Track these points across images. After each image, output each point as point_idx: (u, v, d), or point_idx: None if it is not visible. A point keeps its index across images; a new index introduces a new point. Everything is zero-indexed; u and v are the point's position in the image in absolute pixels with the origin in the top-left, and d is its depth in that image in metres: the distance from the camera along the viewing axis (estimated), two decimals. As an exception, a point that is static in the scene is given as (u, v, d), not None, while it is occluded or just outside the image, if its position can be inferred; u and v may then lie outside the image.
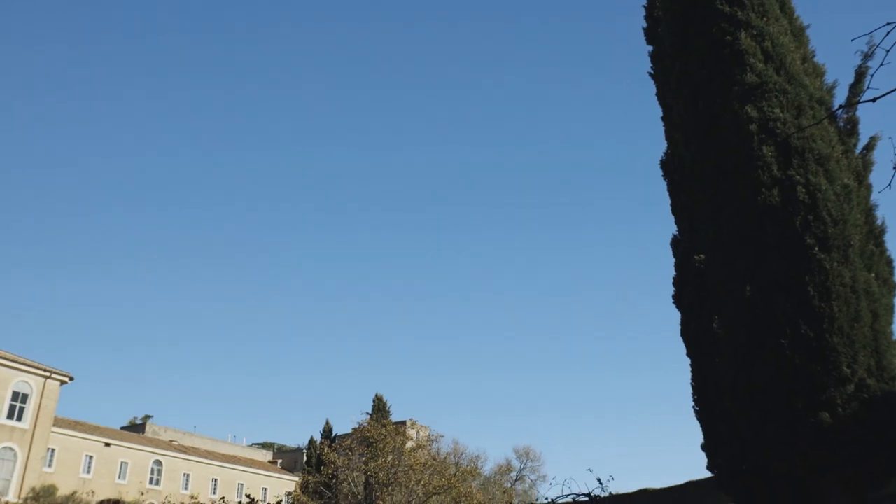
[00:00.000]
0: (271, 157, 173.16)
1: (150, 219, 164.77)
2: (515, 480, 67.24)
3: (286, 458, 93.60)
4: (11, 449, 50.16)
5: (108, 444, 67.03)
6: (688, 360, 13.02)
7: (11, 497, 45.68)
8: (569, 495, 14.26)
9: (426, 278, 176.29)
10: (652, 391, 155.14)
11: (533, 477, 68.87)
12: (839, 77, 12.01)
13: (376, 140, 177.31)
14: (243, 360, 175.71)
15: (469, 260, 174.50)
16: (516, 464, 68.66)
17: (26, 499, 44.07)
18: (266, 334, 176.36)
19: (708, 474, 14.60)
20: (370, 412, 50.55)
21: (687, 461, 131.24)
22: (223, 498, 19.59)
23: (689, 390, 13.07)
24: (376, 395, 56.30)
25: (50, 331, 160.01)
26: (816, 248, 9.15)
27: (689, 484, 33.90)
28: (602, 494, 13.88)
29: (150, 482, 68.26)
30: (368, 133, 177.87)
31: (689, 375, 13.07)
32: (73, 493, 50.96)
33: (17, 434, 50.59)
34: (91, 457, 65.46)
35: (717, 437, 11.55)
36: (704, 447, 12.20)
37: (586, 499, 13.90)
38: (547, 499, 14.91)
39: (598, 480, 13.88)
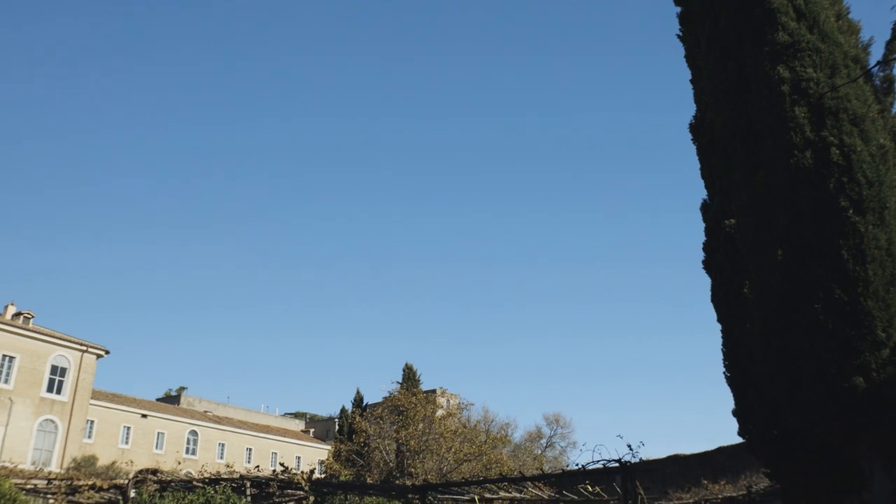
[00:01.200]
0: (310, 124, 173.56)
1: (179, 189, 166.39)
2: (545, 447, 67.58)
3: (318, 428, 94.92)
4: (52, 421, 51.47)
5: (144, 416, 68.47)
6: (718, 326, 12.91)
7: (54, 467, 46.92)
8: (599, 461, 14.20)
9: (455, 246, 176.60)
10: (682, 358, 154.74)
11: (563, 444, 69.25)
12: (875, 34, 11.70)
13: (422, 104, 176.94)
14: (275, 332, 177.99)
15: (498, 226, 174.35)
16: (546, 431, 68.96)
17: (68, 468, 45.23)
18: (297, 304, 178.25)
19: (739, 440, 14.53)
20: (400, 381, 50.99)
21: (717, 428, 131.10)
22: (258, 466, 19.93)
23: (720, 356, 12.98)
24: (406, 365, 56.68)
25: (85, 306, 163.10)
26: (851, 211, 8.96)
27: (720, 449, 33.85)
28: (633, 460, 13.79)
29: (187, 452, 69.68)
30: (418, 98, 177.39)
31: (719, 341, 12.98)
32: (113, 462, 52.22)
33: (57, 407, 51.86)
34: (129, 428, 66.97)
35: (749, 403, 11.49)
36: (735, 413, 12.14)
37: (617, 465, 13.85)
38: (577, 465, 14.90)
39: (629, 446, 13.76)
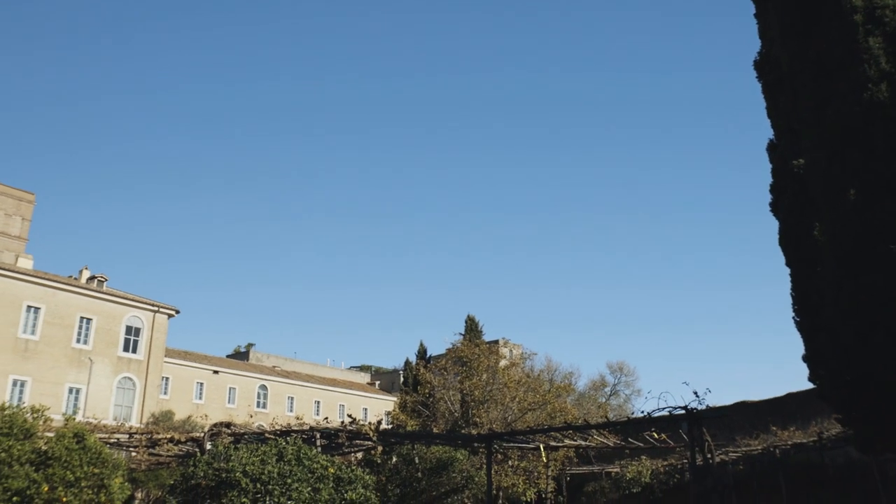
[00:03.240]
0: (375, 82, 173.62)
1: (243, 144, 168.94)
2: (610, 395, 67.48)
3: (383, 380, 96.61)
4: (130, 379, 53.62)
5: (216, 372, 70.74)
6: (787, 270, 12.57)
7: (134, 422, 49.03)
8: (665, 408, 14.10)
9: (516, 195, 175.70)
10: (748, 305, 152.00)
11: (627, 391, 69.04)
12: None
13: (511, 61, 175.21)
14: (339, 286, 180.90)
15: (561, 175, 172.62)
16: (610, 379, 68.76)
17: (147, 423, 47.19)
18: (361, 258, 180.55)
19: (809, 386, 14.23)
20: (463, 333, 51.38)
21: (786, 375, 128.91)
22: (326, 418, 20.43)
23: (789, 301, 12.65)
24: (468, 316, 57.04)
25: (153, 267, 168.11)
26: (929, 146, 8.54)
27: (789, 396, 33.23)
28: (699, 407, 13.66)
29: (258, 405, 71.90)
30: (502, 55, 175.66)
31: (788, 286, 12.64)
32: (189, 417, 54.23)
33: (133, 365, 53.96)
34: (202, 384, 69.36)
35: (819, 348, 11.20)
36: (806, 358, 11.86)
37: (683, 412, 13.74)
38: (643, 412, 14.86)
39: (695, 393, 13.61)
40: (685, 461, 29.69)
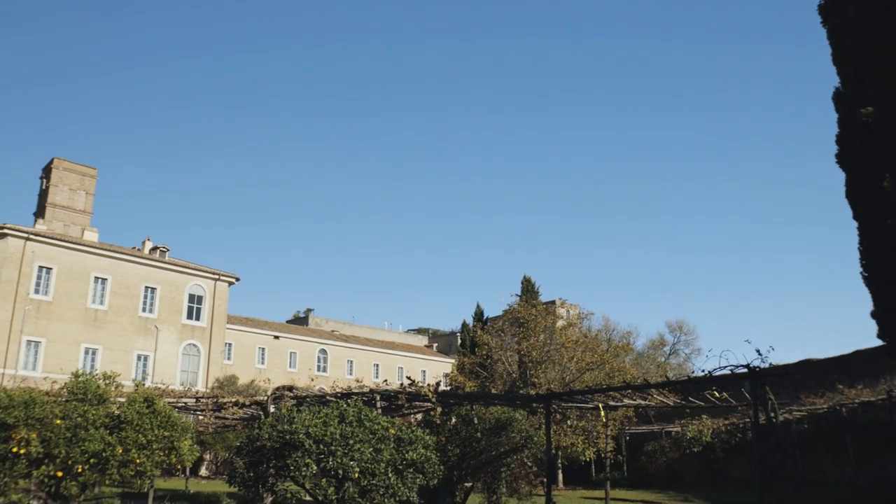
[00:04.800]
0: (434, 48, 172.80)
1: (298, 110, 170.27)
2: (669, 354, 66.65)
3: (441, 342, 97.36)
4: (195, 345, 55.16)
5: (277, 337, 72.27)
6: (854, 224, 12.16)
7: (200, 386, 50.54)
8: (726, 367, 13.83)
9: (572, 158, 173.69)
10: (811, 261, 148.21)
11: (687, 350, 68.01)
12: None
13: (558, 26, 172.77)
14: (395, 249, 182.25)
15: (615, 137, 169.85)
16: (669, 338, 67.78)
17: (213, 388, 48.57)
18: (416, 221, 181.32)
19: (878, 343, 13.82)
20: (519, 294, 51.28)
21: (852, 332, 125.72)
22: (385, 380, 20.70)
23: (856, 256, 12.25)
24: (524, 277, 56.81)
25: (213, 236, 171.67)
26: None
27: (857, 353, 32.41)
28: (762, 365, 13.35)
29: (318, 369, 73.36)
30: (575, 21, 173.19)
31: (855, 240, 12.23)
32: (252, 381, 55.67)
33: (197, 332, 55.46)
34: (263, 349, 71.00)
35: (889, 304, 10.86)
36: (874, 314, 11.51)
37: (745, 370, 13.47)
38: (703, 371, 14.60)
39: (757, 351, 13.29)
40: (747, 420, 29.30)
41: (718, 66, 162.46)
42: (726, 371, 13.84)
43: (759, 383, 13.54)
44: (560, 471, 34.74)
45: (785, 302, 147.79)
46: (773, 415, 14.29)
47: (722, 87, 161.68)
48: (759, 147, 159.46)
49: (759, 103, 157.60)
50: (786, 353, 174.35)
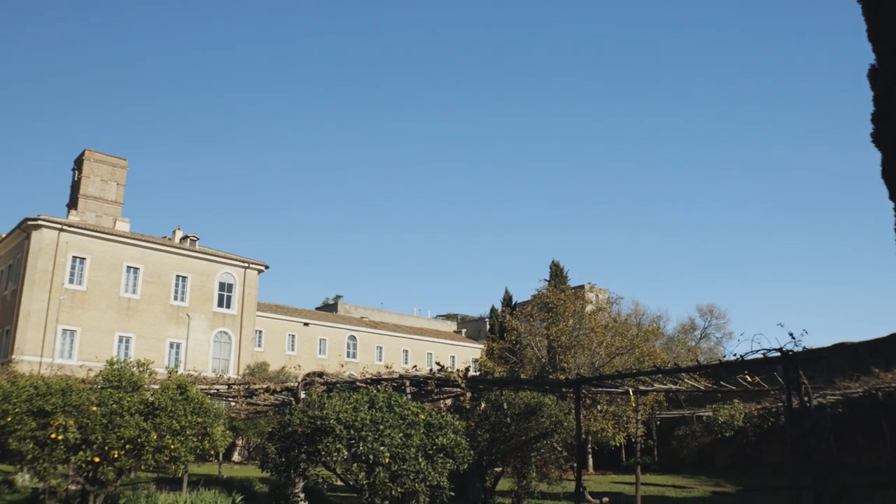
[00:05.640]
0: (457, 32, 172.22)
1: (326, 96, 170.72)
2: (700, 339, 65.99)
3: (469, 328, 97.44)
4: (226, 333, 55.78)
5: (306, 324, 72.81)
6: (890, 205, 11.89)
7: (231, 373, 51.13)
8: (758, 351, 13.63)
9: (598, 143, 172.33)
10: (845, 243, 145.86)
11: (718, 335, 67.22)
12: None
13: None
14: (422, 235, 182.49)
15: (646, 122, 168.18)
16: (700, 322, 66.99)
17: (244, 374, 49.12)
18: (444, 206, 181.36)
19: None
20: (548, 279, 51.04)
21: (888, 315, 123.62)
22: (415, 366, 20.76)
23: (892, 238, 11.99)
24: (553, 262, 56.44)
25: (241, 224, 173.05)
26: None
27: (892, 336, 31.78)
28: (795, 349, 13.15)
29: (347, 355, 73.82)
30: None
31: (891, 221, 11.96)
32: (282, 367, 56.19)
33: (228, 320, 56.05)
34: (293, 336, 71.59)
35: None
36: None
37: (778, 353, 13.28)
38: (735, 355, 14.45)
39: (791, 335, 13.07)
40: (780, 404, 29.00)
41: (749, 48, 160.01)
42: (759, 355, 13.65)
43: (792, 367, 13.36)
44: (590, 455, 34.70)
45: (819, 286, 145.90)
46: (806, 399, 14.10)
47: (753, 70, 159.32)
48: (791, 129, 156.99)
49: (792, 85, 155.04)
50: (820, 337, 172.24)
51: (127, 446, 11.72)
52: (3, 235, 53.67)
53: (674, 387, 19.41)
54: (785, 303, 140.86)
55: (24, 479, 21.18)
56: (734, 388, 19.63)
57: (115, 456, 11.80)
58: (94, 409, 11.67)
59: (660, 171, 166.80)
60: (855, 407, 29.26)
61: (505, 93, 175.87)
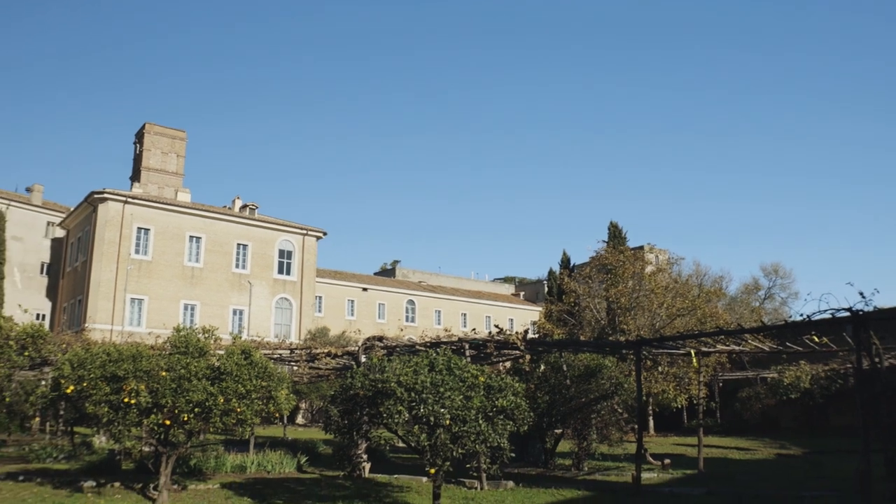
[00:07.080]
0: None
1: (390, 63, 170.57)
2: (764, 299, 64.22)
3: (528, 290, 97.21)
4: (287, 299, 56.82)
5: (365, 289, 73.66)
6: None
7: (293, 338, 52.15)
8: (826, 311, 13.16)
9: (657, 107, 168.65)
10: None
11: (783, 294, 65.18)
12: None
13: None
14: (480, 198, 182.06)
15: (698, 83, 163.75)
16: (764, 282, 64.97)
17: (305, 339, 50.02)
18: (502, 169, 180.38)
19: None
20: (606, 240, 50.44)
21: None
22: (474, 329, 20.82)
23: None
24: (611, 223, 55.74)
25: (298, 192, 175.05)
26: None
27: (969, 293, 30.26)
28: (865, 308, 12.68)
29: (406, 320, 74.55)
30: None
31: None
32: (343, 332, 57.05)
33: (288, 286, 57.06)
34: (352, 301, 72.56)
35: None
36: None
37: (847, 313, 12.84)
38: (802, 315, 14.02)
39: (861, 294, 12.60)
40: (849, 366, 28.22)
41: (811, 17, 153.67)
42: (827, 315, 13.21)
43: (862, 327, 12.92)
44: (651, 417, 34.45)
45: (890, 244, 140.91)
46: (877, 360, 13.66)
47: (825, 39, 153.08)
48: (852, 92, 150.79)
49: (871, 63, 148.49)
50: (891, 296, 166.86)
51: (195, 410, 12.05)
52: (72, 209, 55.42)
53: (737, 348, 19.02)
54: (855, 262, 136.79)
55: (101, 440, 22.11)
56: (800, 349, 19.13)
57: (185, 419, 12.17)
58: (164, 374, 12.02)
59: (722, 141, 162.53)
60: (928, 368, 28.34)
61: (563, 59, 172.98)
